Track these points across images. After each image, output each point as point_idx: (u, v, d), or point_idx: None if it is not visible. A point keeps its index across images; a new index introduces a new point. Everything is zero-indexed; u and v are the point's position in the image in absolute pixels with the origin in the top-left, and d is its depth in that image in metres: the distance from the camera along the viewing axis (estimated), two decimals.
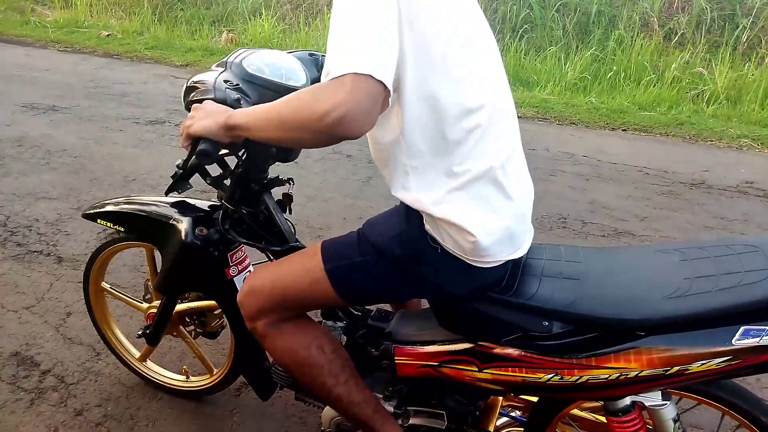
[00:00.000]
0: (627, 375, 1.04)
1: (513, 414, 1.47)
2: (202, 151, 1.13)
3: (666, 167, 3.93)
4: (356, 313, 1.46)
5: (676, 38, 6.28)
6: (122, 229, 1.67)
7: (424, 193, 1.09)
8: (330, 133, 0.91)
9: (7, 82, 5.43)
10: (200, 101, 1.22)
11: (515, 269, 1.19)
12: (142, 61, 6.55)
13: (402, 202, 1.14)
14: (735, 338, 0.97)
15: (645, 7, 6.47)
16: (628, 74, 5.86)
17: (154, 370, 1.95)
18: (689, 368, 1.00)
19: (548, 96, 5.53)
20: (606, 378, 1.05)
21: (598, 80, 5.85)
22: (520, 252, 1.17)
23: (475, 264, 1.11)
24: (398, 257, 1.15)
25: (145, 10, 8.29)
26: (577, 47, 6.37)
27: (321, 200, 3.32)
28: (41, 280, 2.50)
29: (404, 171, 1.10)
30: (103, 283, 1.89)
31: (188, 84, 1.35)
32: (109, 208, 1.68)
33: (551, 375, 1.10)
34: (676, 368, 1.00)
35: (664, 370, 1.01)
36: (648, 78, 5.72)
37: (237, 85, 1.29)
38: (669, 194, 3.53)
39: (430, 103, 1.02)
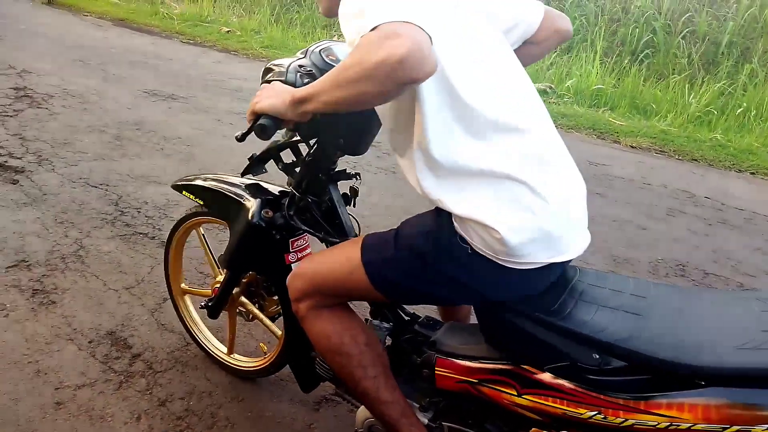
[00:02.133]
0: (678, 426, 0.95)
1: None
2: (260, 125, 1.18)
3: None
4: (405, 317, 1.46)
5: None
6: (202, 203, 1.76)
7: (445, 193, 1.10)
8: (394, 75, 0.90)
9: (133, 68, 5.78)
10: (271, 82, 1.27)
11: (570, 293, 1.14)
12: (257, 58, 6.78)
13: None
14: None
15: None
16: (759, 112, 5.38)
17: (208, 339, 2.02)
18: (751, 430, 0.91)
19: (668, 127, 5.16)
20: (654, 426, 0.98)
21: (725, 116, 5.40)
22: (564, 257, 1.12)
23: (507, 265, 1.08)
24: (426, 254, 1.15)
25: (263, 10, 8.62)
26: (703, 79, 5.92)
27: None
28: (143, 263, 2.58)
29: (422, 168, 1.11)
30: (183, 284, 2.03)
31: (267, 65, 1.41)
32: (197, 182, 1.76)
33: (594, 413, 1.03)
34: (735, 427, 0.92)
35: (721, 427, 0.93)
36: None
37: (310, 71, 1.32)
38: None
39: (449, 99, 1.05)
